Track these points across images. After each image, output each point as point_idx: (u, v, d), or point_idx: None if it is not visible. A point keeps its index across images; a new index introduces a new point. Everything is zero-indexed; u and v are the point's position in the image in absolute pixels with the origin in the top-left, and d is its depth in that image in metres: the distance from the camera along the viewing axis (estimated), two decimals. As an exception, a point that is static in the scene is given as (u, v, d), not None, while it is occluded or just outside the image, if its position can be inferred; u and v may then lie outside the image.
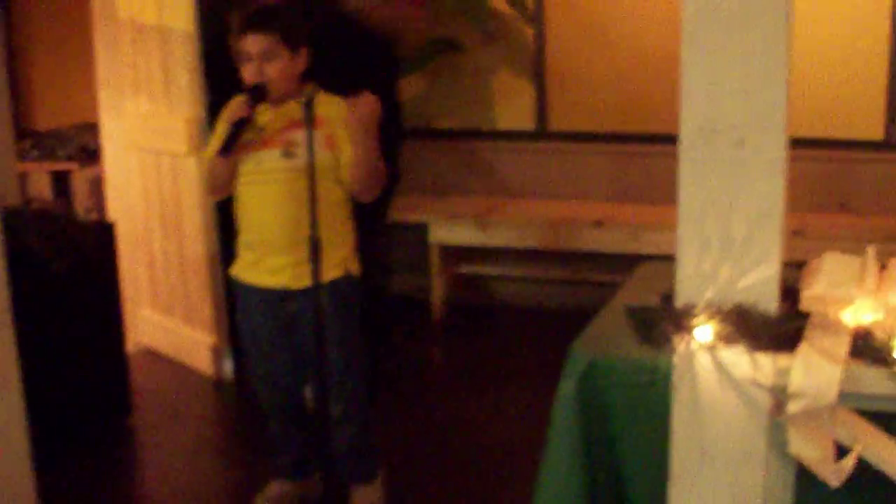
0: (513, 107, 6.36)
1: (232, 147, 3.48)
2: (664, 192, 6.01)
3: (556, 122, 6.37)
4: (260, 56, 3.49)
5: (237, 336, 5.10)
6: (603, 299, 3.21)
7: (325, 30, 4.13)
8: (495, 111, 6.40)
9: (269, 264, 3.61)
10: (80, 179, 6.70)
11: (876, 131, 5.80)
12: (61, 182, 6.76)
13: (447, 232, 6.01)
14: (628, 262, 5.62)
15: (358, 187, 3.63)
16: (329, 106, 3.62)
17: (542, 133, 6.36)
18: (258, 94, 3.47)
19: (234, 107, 3.51)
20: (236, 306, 3.83)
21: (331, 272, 3.61)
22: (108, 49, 5.53)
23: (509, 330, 5.99)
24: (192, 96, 5.03)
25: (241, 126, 3.47)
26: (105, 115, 5.65)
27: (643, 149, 6.16)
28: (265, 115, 3.55)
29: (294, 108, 3.54)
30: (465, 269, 6.30)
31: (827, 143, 5.84)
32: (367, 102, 3.56)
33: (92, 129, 6.23)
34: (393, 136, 4.55)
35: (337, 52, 3.88)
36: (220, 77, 5.12)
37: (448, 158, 6.40)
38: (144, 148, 5.45)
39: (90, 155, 6.47)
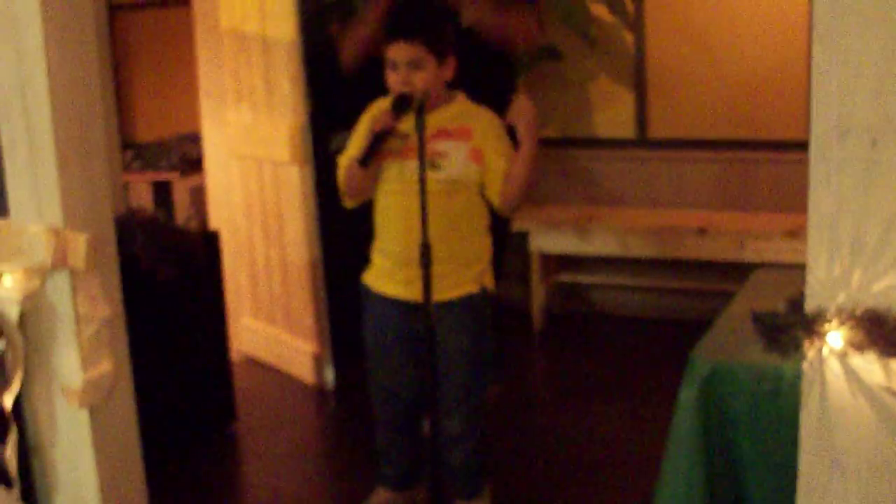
0: (613, 114, 6.30)
1: (372, 157, 3.43)
2: (767, 200, 5.98)
3: (657, 130, 6.31)
4: (407, 64, 3.45)
5: (340, 345, 5.16)
6: (705, 308, 3.17)
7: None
8: (595, 119, 6.35)
9: (404, 275, 3.55)
10: (180, 189, 6.77)
11: None
12: (162, 192, 6.84)
13: (547, 240, 5.98)
14: (731, 271, 5.58)
15: (511, 201, 3.57)
16: (476, 117, 3.60)
17: (642, 140, 6.29)
18: (404, 103, 3.39)
19: (379, 116, 3.46)
20: (363, 314, 3.78)
21: (467, 286, 3.60)
22: (210, 59, 5.58)
23: (610, 339, 5.93)
24: (295, 105, 5.05)
25: (384, 137, 3.42)
26: (207, 124, 5.70)
27: (745, 155, 6.07)
28: (410, 123, 3.42)
29: (444, 118, 3.52)
30: (566, 277, 6.26)
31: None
32: (528, 107, 3.48)
33: (193, 139, 6.30)
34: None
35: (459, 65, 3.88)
36: (322, 86, 5.16)
37: (548, 166, 6.35)
38: (246, 156, 5.49)
39: (191, 165, 6.54)
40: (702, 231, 5.72)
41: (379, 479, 3.92)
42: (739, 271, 3.75)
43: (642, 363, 5.38)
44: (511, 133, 3.57)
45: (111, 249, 2.80)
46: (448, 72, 3.54)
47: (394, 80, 3.48)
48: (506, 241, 4.66)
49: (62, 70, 2.56)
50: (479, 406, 3.76)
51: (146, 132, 7.18)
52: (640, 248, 5.88)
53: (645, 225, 5.92)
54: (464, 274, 3.60)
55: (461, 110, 3.61)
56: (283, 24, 5.03)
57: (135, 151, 6.80)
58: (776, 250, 5.47)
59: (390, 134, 3.43)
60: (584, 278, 6.27)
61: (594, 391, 5.09)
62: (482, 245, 3.69)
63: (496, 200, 3.59)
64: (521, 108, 3.48)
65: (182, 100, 6.57)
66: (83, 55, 2.64)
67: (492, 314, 3.74)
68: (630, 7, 6.02)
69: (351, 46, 4.38)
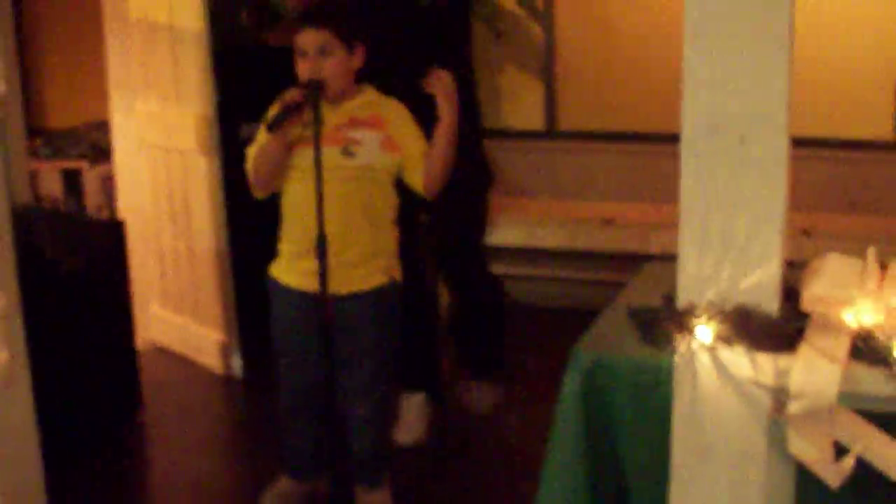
0: (522, 106, 6.37)
1: (281, 123, 3.42)
2: (672, 192, 6.06)
3: (566, 122, 6.38)
4: (315, 51, 3.47)
5: (247, 332, 5.17)
6: (612, 298, 3.23)
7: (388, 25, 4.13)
8: (504, 110, 6.42)
9: (307, 266, 3.49)
10: (91, 177, 6.73)
11: (886, 132, 5.81)
12: (72, 180, 6.79)
13: (456, 231, 6.01)
14: (637, 262, 5.65)
15: (435, 181, 3.62)
16: (386, 107, 3.63)
17: (551, 132, 6.36)
18: (313, 88, 3.40)
19: (291, 91, 3.44)
20: (271, 305, 3.78)
21: (375, 278, 3.63)
22: (119, 48, 5.56)
23: (518, 329, 5.98)
24: (202, 94, 5.05)
25: (294, 109, 3.40)
26: (116, 113, 5.67)
27: (652, 148, 6.16)
28: (322, 113, 3.43)
29: (355, 107, 3.55)
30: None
31: (837, 143, 5.85)
32: (444, 77, 3.50)
33: (103, 127, 6.26)
34: (475, 134, 4.59)
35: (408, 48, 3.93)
36: (229, 75, 5.17)
37: (457, 157, 6.42)
38: (154, 145, 5.48)
39: (101, 153, 6.50)
40: (608, 222, 5.81)
41: (282, 468, 3.95)
42: (645, 262, 3.82)
43: (547, 352, 5.42)
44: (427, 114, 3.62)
45: (6, 240, 2.80)
46: (357, 61, 3.56)
47: (303, 67, 3.50)
48: (479, 237, 4.80)
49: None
50: (386, 395, 3.82)
51: (57, 119, 7.13)
52: (547, 240, 5.95)
53: (553, 216, 5.99)
54: (373, 264, 3.64)
55: (370, 100, 3.64)
56: (190, 14, 5.03)
57: (44, 138, 6.74)
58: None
59: (300, 108, 3.41)
60: (495, 269, 6.31)
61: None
62: (391, 235, 3.73)
63: (420, 183, 3.62)
64: (438, 77, 3.52)
65: (93, 87, 6.52)
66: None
67: (399, 304, 3.77)
68: (539, 1, 6.09)
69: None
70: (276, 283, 3.74)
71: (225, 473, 4.39)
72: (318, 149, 3.24)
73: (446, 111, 3.52)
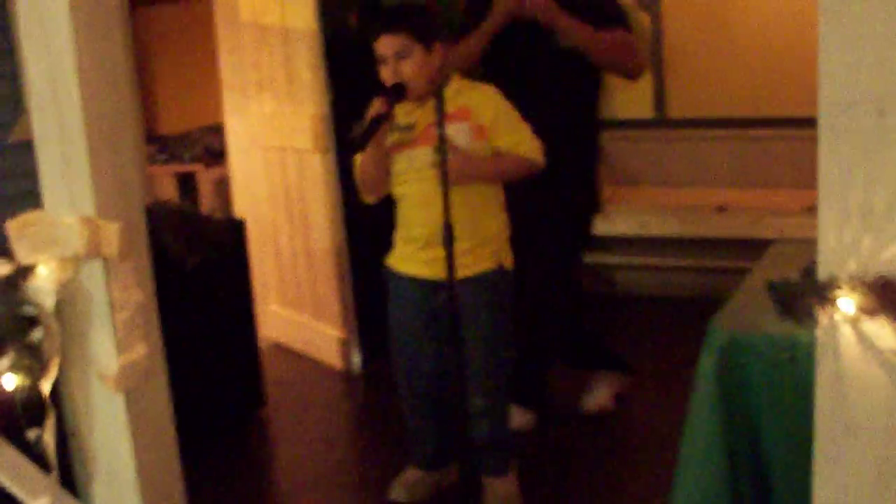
0: (631, 95, 6.35)
1: (367, 141, 3.51)
2: (785, 176, 6.02)
3: (675, 110, 6.36)
4: (394, 56, 3.54)
5: (366, 329, 5.23)
6: (727, 285, 3.22)
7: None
8: (614, 100, 6.40)
9: (426, 255, 3.64)
10: (204, 180, 6.85)
11: None
12: (186, 183, 6.92)
13: (568, 222, 6.00)
14: (752, 247, 5.61)
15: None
16: (473, 93, 3.67)
17: (660, 120, 6.35)
18: (396, 93, 3.50)
19: (374, 103, 3.53)
20: (388, 296, 3.86)
21: (483, 264, 3.67)
22: (231, 51, 5.66)
23: (634, 319, 5.97)
24: (316, 94, 5.12)
25: (379, 122, 3.49)
26: (230, 115, 5.77)
27: (763, 133, 6.13)
28: (413, 115, 3.59)
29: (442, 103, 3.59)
30: (588, 258, 6.29)
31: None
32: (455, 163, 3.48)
33: (216, 130, 6.38)
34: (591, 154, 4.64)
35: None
36: (342, 74, 5.23)
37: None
38: (269, 146, 5.56)
39: (215, 156, 6.62)
40: (721, 209, 5.77)
41: (410, 459, 4.00)
42: (759, 248, 3.80)
43: (666, 341, 5.43)
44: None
45: (142, 238, 2.86)
46: (437, 57, 3.61)
47: (385, 73, 3.58)
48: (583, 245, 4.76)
49: (91, 66, 2.62)
50: (502, 382, 3.83)
51: (169, 125, 7.28)
52: (660, 228, 5.93)
53: (665, 204, 5.97)
54: (480, 252, 3.67)
55: (457, 90, 3.67)
56: (302, 14, 5.10)
57: (159, 144, 6.88)
58: (795, 226, 5.51)
59: (386, 119, 3.50)
60: (606, 259, 6.31)
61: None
62: (498, 223, 3.75)
63: (527, 152, 3.68)
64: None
65: (204, 92, 6.66)
66: (111, 51, 2.70)
67: (509, 291, 3.79)
68: (647, -11, 6.08)
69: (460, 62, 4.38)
70: (392, 272, 3.80)
71: (350, 466, 4.45)
72: (442, 138, 3.27)
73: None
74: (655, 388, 4.87)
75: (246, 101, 5.65)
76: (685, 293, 6.07)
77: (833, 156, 2.05)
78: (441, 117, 3.26)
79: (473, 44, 4.22)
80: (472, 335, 3.69)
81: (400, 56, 3.53)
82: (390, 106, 3.50)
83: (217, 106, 5.96)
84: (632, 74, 4.39)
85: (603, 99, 4.64)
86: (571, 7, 4.11)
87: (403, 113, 3.60)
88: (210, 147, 6.74)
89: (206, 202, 6.83)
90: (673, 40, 6.23)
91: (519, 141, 3.66)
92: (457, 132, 3.57)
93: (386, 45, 3.55)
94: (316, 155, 5.18)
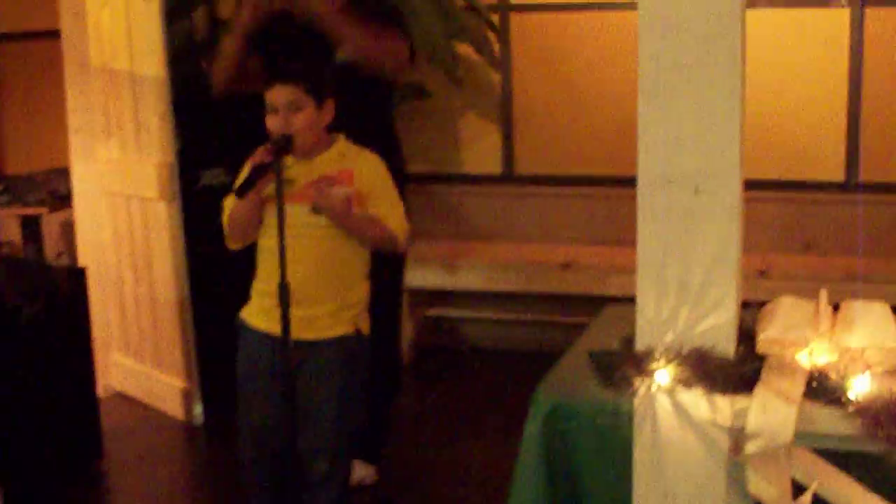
0: (479, 151, 6.44)
1: (249, 189, 3.43)
2: (630, 235, 6.12)
3: (523, 166, 6.45)
4: (286, 107, 3.48)
5: (209, 380, 5.17)
6: (572, 341, 3.28)
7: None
8: (462, 155, 6.48)
9: (275, 311, 3.47)
10: (50, 224, 6.71)
11: (837, 173, 5.92)
12: (31, 226, 6.77)
13: (415, 275, 6.02)
14: (596, 304, 5.70)
15: (371, 248, 3.67)
16: (358, 159, 3.65)
17: (508, 176, 6.43)
18: (283, 144, 3.42)
19: (258, 151, 3.46)
20: (238, 350, 3.76)
21: (342, 328, 3.63)
22: (79, 95, 5.58)
23: (478, 372, 6.02)
24: (162, 141, 5.07)
25: (262, 171, 3.41)
26: (76, 160, 5.69)
27: (609, 192, 6.23)
28: (293, 169, 3.49)
29: (325, 162, 3.57)
30: (434, 312, 6.34)
31: (790, 185, 5.95)
32: (331, 196, 3.50)
33: (63, 173, 6.26)
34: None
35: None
36: (191, 121, 5.21)
37: (416, 202, 6.40)
38: (115, 193, 5.49)
39: (61, 199, 6.49)
40: (566, 266, 5.87)
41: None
42: (603, 304, 3.88)
43: (509, 396, 5.46)
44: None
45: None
46: (327, 115, 3.57)
47: (272, 122, 3.50)
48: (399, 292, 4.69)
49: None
50: (347, 449, 3.77)
51: (15, 164, 7.12)
52: (507, 283, 5.99)
53: (511, 260, 6.04)
54: (340, 316, 3.64)
55: (341, 152, 3.65)
56: (151, 61, 5.06)
57: (3, 184, 6.73)
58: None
59: (269, 169, 3.45)
60: (453, 312, 6.37)
61: (462, 423, 5.19)
62: (362, 289, 3.74)
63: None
64: (328, 195, 3.52)
65: (53, 133, 6.53)
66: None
67: (365, 357, 3.78)
68: (496, 47, 6.16)
69: (220, 67, 4.35)
70: (244, 325, 3.75)
71: (186, 521, 4.40)
72: (280, 206, 3.26)
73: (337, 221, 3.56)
74: (494, 440, 4.91)
75: (93, 145, 5.57)
76: (531, 347, 6.13)
77: (651, 231, 2.12)
78: (280, 184, 3.25)
79: (227, 44, 4.24)
80: (323, 397, 3.63)
81: (292, 107, 3.49)
82: (275, 156, 3.42)
83: (64, 149, 5.86)
84: (395, 76, 4.44)
85: (396, 117, 4.67)
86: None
87: (284, 166, 3.49)
88: (56, 190, 6.60)
89: (51, 246, 6.69)
90: (521, 98, 6.33)
91: (392, 215, 3.64)
92: (336, 194, 3.57)
93: (279, 95, 3.49)
94: (161, 203, 5.12)
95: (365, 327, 3.74)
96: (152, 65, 5.06)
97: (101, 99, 5.48)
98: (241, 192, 3.45)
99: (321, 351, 3.58)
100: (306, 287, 3.42)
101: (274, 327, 3.58)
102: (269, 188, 3.50)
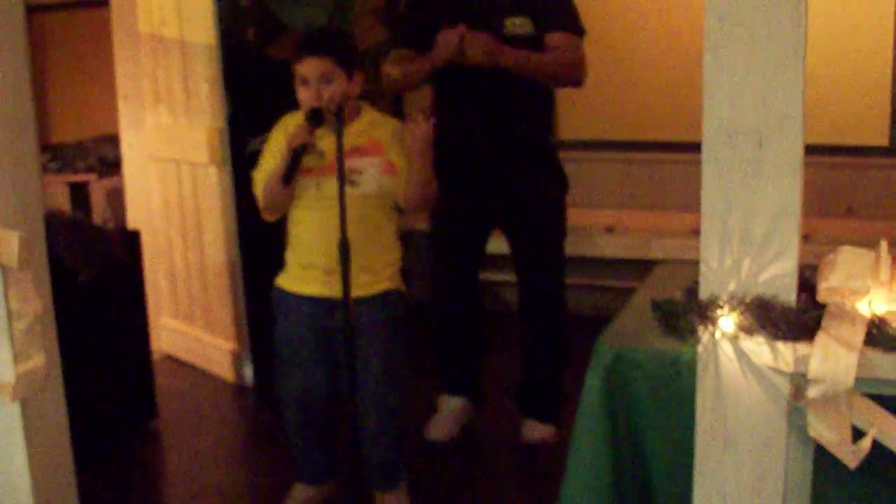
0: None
1: (294, 174, 3.54)
2: (672, 199, 6.18)
3: (566, 132, 6.49)
4: (317, 79, 3.55)
5: (258, 342, 5.25)
6: (616, 303, 3.33)
7: None
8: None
9: (318, 275, 3.68)
10: (97, 190, 6.80)
11: (881, 137, 5.93)
12: (79, 193, 6.86)
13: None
14: (639, 268, 5.77)
15: (411, 207, 3.73)
16: (384, 128, 3.72)
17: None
18: (317, 117, 3.50)
19: (295, 132, 3.54)
20: (277, 316, 3.86)
21: (381, 285, 3.72)
22: (128, 62, 5.66)
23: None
24: (213, 107, 5.15)
25: (301, 152, 3.52)
26: (125, 126, 5.77)
27: (651, 156, 6.28)
28: (325, 140, 3.56)
29: (356, 133, 3.63)
30: (482, 275, 6.37)
31: (834, 150, 5.96)
32: (421, 128, 3.59)
33: (111, 141, 6.35)
34: (548, 142, 4.75)
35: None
36: (239, 88, 5.27)
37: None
38: (164, 158, 5.57)
39: (109, 166, 6.58)
40: (610, 229, 5.91)
41: (296, 476, 4.01)
42: (646, 268, 3.94)
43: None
44: None
45: (41, 247, 2.88)
46: (356, 87, 3.65)
47: (305, 95, 3.58)
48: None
49: (-6, 75, 2.64)
50: (397, 403, 3.83)
51: (62, 133, 7.21)
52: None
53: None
54: (380, 274, 3.73)
55: (369, 122, 3.72)
56: (201, 28, 5.13)
57: (52, 153, 6.82)
58: (681, 248, 5.67)
59: (308, 149, 3.54)
60: (497, 276, 6.41)
61: (509, 387, 5.23)
62: (396, 251, 3.83)
63: (401, 202, 3.73)
64: (415, 126, 3.60)
65: (100, 101, 6.61)
66: (14, 61, 2.72)
67: (404, 313, 3.85)
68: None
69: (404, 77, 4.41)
70: (283, 293, 3.82)
71: (239, 481, 4.46)
72: (341, 168, 3.31)
73: (417, 163, 3.62)
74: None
75: (142, 112, 5.65)
76: (575, 311, 6.17)
77: (715, 183, 2.16)
78: (340, 135, 3.31)
79: (412, 73, 4.33)
80: (368, 355, 3.71)
81: (323, 80, 3.55)
82: (311, 133, 3.52)
83: (111, 116, 5.94)
84: (577, 84, 4.48)
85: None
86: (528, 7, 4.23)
87: (317, 138, 3.60)
88: (104, 157, 6.69)
89: (99, 213, 6.78)
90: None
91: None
92: (368, 165, 3.63)
93: (310, 68, 3.56)
94: (211, 168, 5.20)
95: (402, 286, 3.81)
96: (202, 31, 5.12)
97: (150, 66, 5.55)
98: (288, 179, 3.53)
99: (364, 308, 3.65)
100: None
101: (316, 289, 3.69)
102: (303, 163, 3.58)
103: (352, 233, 3.36)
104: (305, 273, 3.74)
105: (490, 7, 4.24)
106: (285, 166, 3.53)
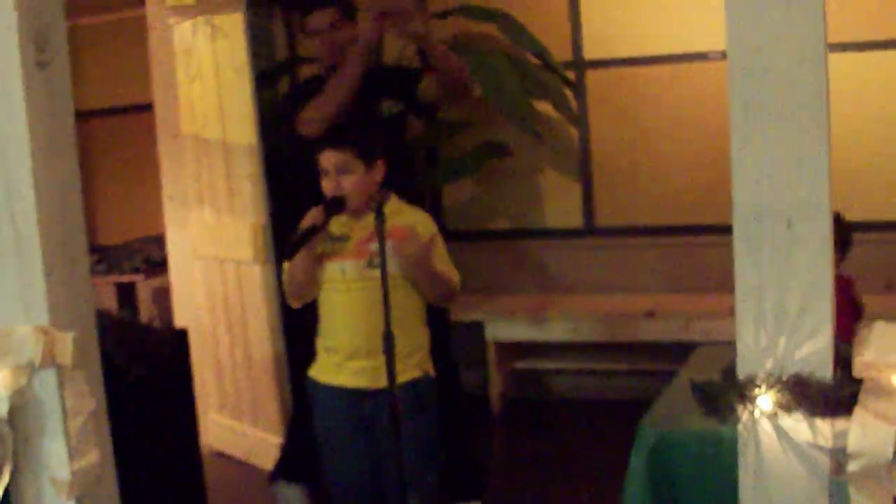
0: (561, 205, 6.57)
1: (299, 248, 3.60)
2: (711, 281, 6.21)
3: (603, 219, 6.56)
4: (336, 170, 3.65)
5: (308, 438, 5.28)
6: (658, 388, 3.37)
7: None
8: (544, 210, 6.61)
9: (352, 366, 3.71)
10: (144, 289, 6.90)
11: (921, 214, 5.96)
12: (126, 293, 6.96)
13: (503, 329, 6.16)
14: (680, 351, 5.78)
15: (430, 302, 3.79)
16: (412, 214, 3.80)
17: (589, 229, 6.54)
18: (335, 205, 3.61)
19: (310, 214, 3.64)
20: (312, 409, 3.90)
21: (409, 373, 3.74)
22: (171, 163, 5.79)
23: (566, 422, 6.09)
24: (256, 205, 5.25)
25: (312, 233, 3.59)
26: (170, 226, 5.89)
27: (688, 240, 6.32)
28: (347, 227, 3.67)
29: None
30: (522, 364, 6.44)
31: (872, 226, 5.98)
32: (411, 243, 3.64)
33: (156, 241, 6.47)
34: None
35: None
36: (280, 184, 5.37)
37: (500, 258, 6.59)
38: (209, 256, 5.67)
39: (154, 266, 6.68)
40: (650, 314, 5.94)
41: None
42: (688, 351, 3.98)
43: (599, 443, 5.53)
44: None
45: (94, 346, 2.96)
46: (377, 175, 3.73)
47: (326, 185, 3.68)
48: (448, 332, 4.81)
49: (47, 184, 2.73)
50: (434, 486, 3.85)
51: (108, 235, 7.34)
52: (592, 334, 6.08)
53: (596, 310, 6.13)
54: (407, 362, 3.75)
55: (392, 210, 3.79)
56: (242, 128, 5.26)
57: (99, 254, 6.94)
58: (721, 328, 5.65)
59: (319, 231, 3.61)
60: (540, 364, 6.46)
61: (553, 473, 5.25)
62: (422, 336, 3.85)
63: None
64: (407, 243, 3.65)
65: (146, 202, 6.74)
66: (65, 168, 2.83)
67: (435, 397, 3.89)
68: (573, 103, 6.30)
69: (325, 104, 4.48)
70: (317, 385, 3.86)
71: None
72: (382, 254, 3.40)
73: (413, 270, 3.68)
74: (587, 490, 4.96)
75: (186, 211, 5.77)
76: (617, 396, 6.21)
77: (748, 263, 2.22)
78: (381, 228, 3.39)
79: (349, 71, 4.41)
80: (404, 439, 3.75)
81: (341, 171, 3.65)
82: (327, 218, 3.61)
83: (157, 216, 6.06)
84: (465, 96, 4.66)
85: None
86: None
87: (339, 224, 3.68)
88: (149, 257, 6.80)
89: (145, 311, 6.88)
90: (600, 153, 6.46)
91: (449, 268, 3.79)
92: (389, 248, 3.70)
93: (329, 159, 3.66)
94: (256, 265, 5.29)
95: (431, 370, 3.86)
96: (244, 131, 5.25)
97: (194, 166, 5.67)
98: (290, 253, 3.62)
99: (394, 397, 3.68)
100: (373, 339, 3.52)
101: (346, 380, 3.73)
102: (322, 247, 3.66)
103: (376, 317, 3.43)
104: (333, 361, 3.78)
105: None
106: (290, 242, 3.62)
